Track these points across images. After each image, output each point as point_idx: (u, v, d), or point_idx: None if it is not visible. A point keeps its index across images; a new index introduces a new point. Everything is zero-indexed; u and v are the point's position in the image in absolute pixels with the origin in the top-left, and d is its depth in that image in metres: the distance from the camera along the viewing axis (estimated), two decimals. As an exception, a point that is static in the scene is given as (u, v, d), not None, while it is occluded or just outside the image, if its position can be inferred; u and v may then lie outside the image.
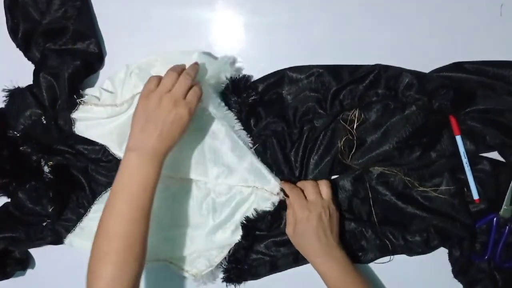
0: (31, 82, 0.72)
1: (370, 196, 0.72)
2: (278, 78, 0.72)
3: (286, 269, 0.75)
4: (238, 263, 0.73)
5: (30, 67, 0.73)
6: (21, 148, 0.72)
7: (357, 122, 0.71)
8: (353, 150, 0.71)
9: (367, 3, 0.72)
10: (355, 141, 0.71)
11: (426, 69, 0.71)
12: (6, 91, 0.72)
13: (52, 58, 0.71)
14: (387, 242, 0.72)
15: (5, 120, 0.72)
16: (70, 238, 0.74)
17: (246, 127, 0.72)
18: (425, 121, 0.68)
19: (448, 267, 0.72)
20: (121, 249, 0.58)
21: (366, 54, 0.72)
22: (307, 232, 0.67)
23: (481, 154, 0.72)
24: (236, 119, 0.71)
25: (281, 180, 0.71)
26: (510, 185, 0.70)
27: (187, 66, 0.66)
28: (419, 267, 0.74)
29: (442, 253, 0.73)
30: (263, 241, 0.74)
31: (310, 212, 0.67)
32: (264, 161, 0.71)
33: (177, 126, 0.61)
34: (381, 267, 0.74)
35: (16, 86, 0.72)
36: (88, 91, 0.72)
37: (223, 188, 0.72)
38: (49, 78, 0.70)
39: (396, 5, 0.72)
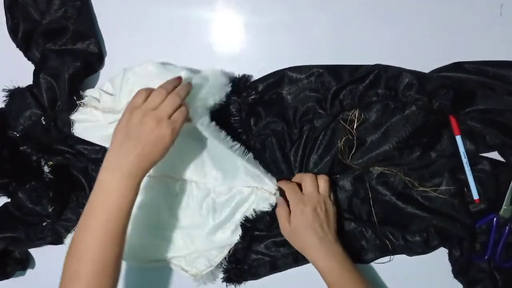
0: (31, 82, 0.72)
1: (370, 196, 0.72)
2: (278, 78, 0.72)
3: (286, 269, 0.74)
4: (238, 263, 0.73)
5: (30, 67, 0.73)
6: (21, 148, 0.72)
7: (357, 122, 0.71)
8: (353, 150, 0.71)
9: (367, 3, 0.72)
10: (355, 141, 0.71)
11: (426, 69, 0.71)
12: (6, 91, 0.72)
13: (52, 58, 0.71)
14: (387, 242, 0.72)
15: (5, 120, 0.72)
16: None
17: (246, 127, 0.72)
18: (425, 121, 0.68)
19: (448, 267, 0.72)
20: (91, 274, 0.56)
21: (366, 54, 0.72)
22: (303, 226, 0.66)
23: (481, 154, 0.72)
24: (230, 139, 0.68)
25: (279, 179, 0.71)
26: (510, 185, 0.70)
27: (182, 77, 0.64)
28: (419, 267, 0.74)
29: (442, 253, 0.73)
30: (263, 241, 0.74)
31: (305, 206, 0.67)
32: (263, 160, 0.71)
33: (158, 146, 0.58)
34: (381, 267, 0.74)
35: (16, 86, 0.72)
36: (88, 92, 0.72)
37: (223, 188, 0.71)
38: (49, 79, 0.70)
39: (396, 5, 0.72)
